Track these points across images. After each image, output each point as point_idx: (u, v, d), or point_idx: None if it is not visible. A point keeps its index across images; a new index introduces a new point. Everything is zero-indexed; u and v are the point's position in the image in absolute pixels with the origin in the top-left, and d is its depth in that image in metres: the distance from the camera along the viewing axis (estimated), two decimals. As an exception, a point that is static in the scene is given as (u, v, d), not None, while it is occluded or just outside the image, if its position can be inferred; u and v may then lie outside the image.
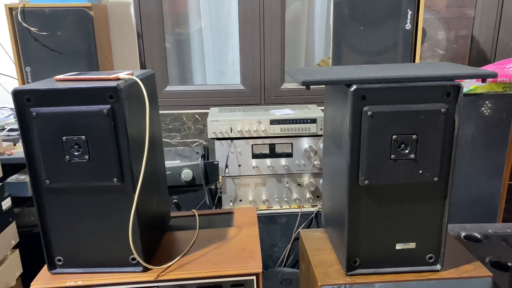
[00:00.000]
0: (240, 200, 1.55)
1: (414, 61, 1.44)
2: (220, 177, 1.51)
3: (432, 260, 0.93)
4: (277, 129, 1.48)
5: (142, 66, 1.95)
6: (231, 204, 1.54)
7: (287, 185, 1.55)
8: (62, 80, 0.90)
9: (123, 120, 0.85)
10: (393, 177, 0.85)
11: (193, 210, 1.23)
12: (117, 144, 0.86)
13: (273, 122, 1.48)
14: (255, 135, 1.49)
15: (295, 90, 2.00)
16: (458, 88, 0.83)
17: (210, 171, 1.49)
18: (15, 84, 1.76)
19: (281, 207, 1.57)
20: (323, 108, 1.69)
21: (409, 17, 1.39)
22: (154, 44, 1.95)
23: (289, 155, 1.51)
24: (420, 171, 0.85)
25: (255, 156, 1.51)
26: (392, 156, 0.84)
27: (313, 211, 1.55)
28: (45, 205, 0.91)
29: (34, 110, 0.84)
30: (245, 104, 1.99)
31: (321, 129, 1.49)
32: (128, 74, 0.90)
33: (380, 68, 0.98)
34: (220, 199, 1.54)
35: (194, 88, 2.05)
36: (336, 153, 0.95)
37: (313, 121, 1.48)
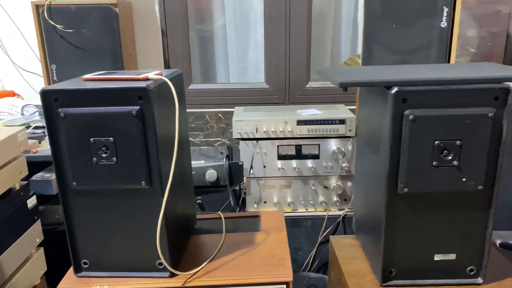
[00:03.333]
0: (265, 202, 1.51)
1: (449, 60, 1.37)
2: (244, 178, 1.48)
3: (473, 272, 0.88)
4: (304, 130, 1.44)
5: (166, 64, 1.93)
6: (255, 206, 1.51)
7: (313, 187, 1.51)
8: (90, 80, 0.88)
9: (152, 121, 0.82)
10: (435, 185, 0.81)
11: (219, 212, 1.20)
12: (145, 146, 0.84)
13: (300, 122, 1.44)
14: (281, 136, 1.45)
15: (321, 89, 1.96)
16: (508, 91, 0.77)
17: (234, 172, 1.45)
18: (41, 81, 1.77)
19: (306, 210, 1.53)
20: (351, 107, 1.65)
21: (445, 14, 1.33)
22: (178, 41, 1.93)
23: (316, 156, 1.47)
24: (464, 179, 0.80)
25: (280, 157, 1.47)
26: (433, 162, 0.79)
27: (340, 215, 1.50)
28: (71, 207, 0.89)
29: (62, 111, 0.82)
30: (268, 103, 1.96)
31: (350, 130, 1.44)
32: (157, 74, 0.88)
33: (419, 68, 0.93)
34: (244, 200, 1.51)
35: (217, 86, 2.02)
36: (371, 158, 0.91)
37: (342, 122, 1.44)
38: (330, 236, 1.10)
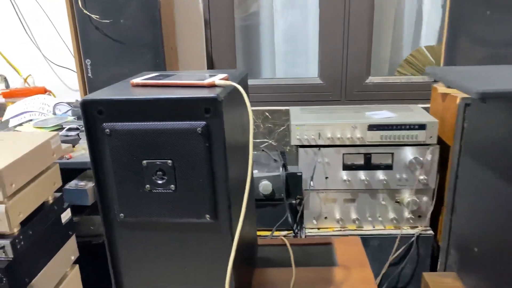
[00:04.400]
0: (325, 218, 1.32)
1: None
2: (303, 190, 1.29)
3: None
4: (376, 136, 1.23)
5: (209, 58, 1.75)
6: (314, 222, 1.32)
7: (383, 202, 1.30)
8: (140, 86, 0.70)
9: (221, 140, 0.63)
10: None
11: (282, 237, 1.02)
12: (211, 171, 0.65)
13: (371, 127, 1.23)
14: (347, 143, 1.25)
15: (383, 85, 1.73)
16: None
17: (292, 183, 1.27)
18: (74, 77, 1.61)
19: (373, 227, 1.33)
20: (425, 105, 1.43)
21: (556, -2, 1.09)
22: (223, 32, 1.73)
23: (388, 167, 1.26)
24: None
25: (346, 167, 1.27)
26: None
27: (414, 234, 1.30)
28: (117, 241, 0.72)
29: (108, 126, 0.64)
30: (321, 100, 1.75)
31: (431, 137, 1.23)
32: (223, 79, 0.69)
33: None
34: (302, 215, 1.32)
35: (263, 82, 1.82)
36: (500, 179, 0.70)
37: (422, 127, 1.22)
38: (424, 274, 0.90)
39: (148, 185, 0.67)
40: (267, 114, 1.75)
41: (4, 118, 1.47)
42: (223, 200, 0.67)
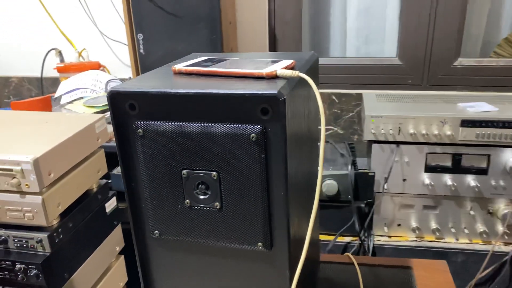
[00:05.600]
0: (399, 225, 1.13)
1: None
2: (374, 192, 1.10)
3: None
4: (470, 134, 1.01)
5: (271, 33, 1.57)
6: (385, 229, 1.14)
7: (471, 212, 1.09)
8: (183, 74, 0.55)
9: (282, 149, 0.48)
10: None
11: (347, 254, 0.85)
12: (267, 189, 0.50)
13: (465, 123, 1.00)
14: (433, 140, 1.03)
15: (475, 68, 1.46)
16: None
17: (361, 184, 1.09)
18: (126, 52, 1.51)
19: (457, 240, 1.12)
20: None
21: None
22: (288, 4, 1.54)
23: (482, 171, 1.04)
24: None
25: (429, 169, 1.06)
26: None
27: (508, 252, 1.08)
28: (151, 262, 0.60)
29: (141, 125, 0.51)
30: (398, 84, 1.52)
31: (544, 139, 0.99)
32: (288, 67, 0.52)
33: None
34: (371, 221, 1.14)
35: (332, 61, 1.61)
36: None
37: (533, 126, 0.98)
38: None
39: (188, 200, 0.53)
40: (333, 98, 1.56)
41: (56, 95, 1.41)
42: (280, 226, 0.52)
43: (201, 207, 0.53)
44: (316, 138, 0.69)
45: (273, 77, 0.50)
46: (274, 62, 0.54)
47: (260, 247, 0.52)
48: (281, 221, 0.51)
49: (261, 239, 0.52)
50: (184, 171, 0.51)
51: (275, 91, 0.45)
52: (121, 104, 0.51)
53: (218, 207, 0.52)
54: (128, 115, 0.51)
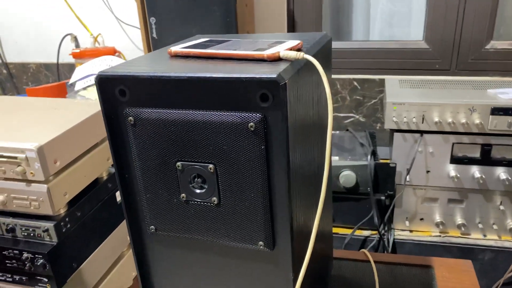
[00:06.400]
0: (421, 219, 1.07)
1: None
2: (395, 184, 1.04)
3: None
4: (501, 123, 0.93)
5: (290, 15, 1.50)
6: (406, 223, 1.07)
7: (501, 207, 1.01)
8: (179, 57, 0.51)
9: (284, 141, 0.43)
10: None
11: (363, 250, 0.80)
12: (268, 183, 0.45)
13: (496, 111, 0.92)
14: (460, 130, 0.96)
15: (508, 52, 1.36)
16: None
17: (382, 175, 1.02)
18: (138, 35, 1.48)
19: (484, 236, 1.05)
20: None
21: None
22: (307, -16, 1.47)
23: (514, 164, 0.96)
24: None
25: (455, 160, 0.99)
26: None
27: (540, 251, 1.00)
28: (149, 260, 0.57)
29: (132, 112, 0.47)
30: (425, 69, 1.43)
31: None
32: (293, 48, 0.47)
33: None
34: (392, 214, 1.08)
35: (354, 45, 1.53)
36: None
37: None
38: None
39: (184, 194, 0.49)
40: (355, 83, 1.48)
41: (71, 81, 1.40)
42: (283, 224, 0.47)
43: (197, 202, 0.49)
44: (327, 124, 0.63)
45: (276, 60, 0.44)
46: (278, 43, 0.49)
47: (262, 247, 0.48)
48: (284, 219, 0.47)
49: (262, 238, 0.48)
50: (179, 163, 0.47)
51: (275, 75, 0.40)
52: (110, 90, 0.47)
53: (215, 202, 0.48)
54: (119, 101, 0.47)
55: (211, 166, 0.46)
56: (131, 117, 0.47)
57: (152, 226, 0.53)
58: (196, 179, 0.48)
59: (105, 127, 0.49)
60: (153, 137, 0.47)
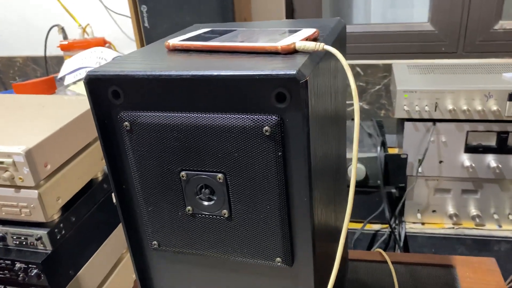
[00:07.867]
0: (433, 211, 1.02)
1: None
2: (407, 176, 0.99)
3: None
4: (519, 110, 0.88)
5: (288, 0, 1.43)
6: (418, 216, 1.03)
7: (518, 197, 0.97)
8: (179, 51, 0.45)
9: (304, 144, 0.37)
10: None
11: (379, 250, 0.75)
12: (285, 193, 0.40)
13: (514, 97, 0.87)
14: (476, 117, 0.91)
15: (519, 32, 1.30)
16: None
17: (392, 167, 0.97)
18: (129, 24, 1.41)
19: (500, 227, 1.01)
20: None
21: None
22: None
23: (532, 152, 0.91)
24: None
25: (470, 149, 0.94)
26: None
27: (559, 241, 0.96)
28: (152, 278, 0.51)
29: (127, 117, 0.41)
30: (429, 52, 1.37)
31: None
32: (309, 38, 0.41)
33: None
34: (403, 207, 1.03)
35: (355, 29, 1.47)
36: None
37: None
38: None
39: (189, 207, 0.43)
40: (358, 69, 1.42)
41: (60, 75, 1.32)
42: (303, 237, 0.42)
43: (205, 215, 0.43)
44: (343, 116, 0.58)
45: (291, 52, 0.38)
46: (291, 32, 0.43)
47: (279, 263, 0.43)
48: (304, 232, 0.41)
49: (280, 253, 0.42)
50: (183, 173, 0.42)
51: (294, 71, 0.34)
52: (102, 92, 0.41)
53: (226, 215, 0.42)
54: (112, 104, 0.41)
55: (220, 175, 0.40)
56: (126, 122, 0.41)
57: (155, 242, 0.47)
58: (203, 190, 0.42)
59: (98, 134, 0.43)
60: (152, 144, 0.41)
